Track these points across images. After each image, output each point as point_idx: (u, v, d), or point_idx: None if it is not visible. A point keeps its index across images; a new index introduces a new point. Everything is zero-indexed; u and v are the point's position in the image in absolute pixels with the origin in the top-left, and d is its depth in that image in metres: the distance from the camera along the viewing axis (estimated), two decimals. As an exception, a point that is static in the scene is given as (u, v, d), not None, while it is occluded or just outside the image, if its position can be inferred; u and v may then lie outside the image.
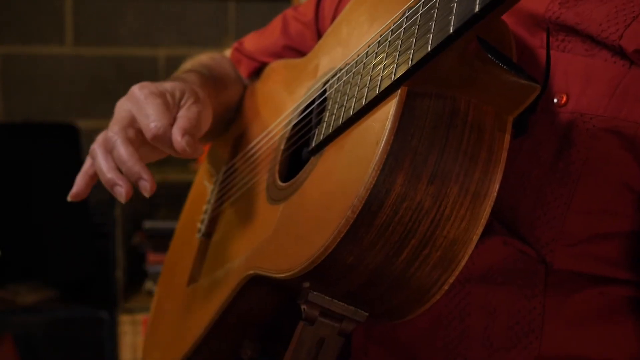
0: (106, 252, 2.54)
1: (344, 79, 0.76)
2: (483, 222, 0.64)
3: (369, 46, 0.73)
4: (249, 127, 1.08)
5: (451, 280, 0.65)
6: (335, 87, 0.78)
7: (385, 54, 0.67)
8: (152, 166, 0.86)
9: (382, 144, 0.61)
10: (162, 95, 0.84)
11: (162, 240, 2.43)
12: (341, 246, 0.63)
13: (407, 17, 0.66)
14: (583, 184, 0.74)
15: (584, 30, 0.74)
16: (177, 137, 0.80)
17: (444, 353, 0.80)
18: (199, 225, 1.09)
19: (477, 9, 0.55)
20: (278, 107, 0.99)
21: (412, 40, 0.63)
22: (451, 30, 0.57)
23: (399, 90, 0.63)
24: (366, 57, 0.72)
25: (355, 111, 0.69)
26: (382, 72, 0.66)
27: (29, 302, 2.54)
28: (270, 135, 0.96)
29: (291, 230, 0.75)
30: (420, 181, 0.62)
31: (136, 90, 0.83)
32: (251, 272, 0.78)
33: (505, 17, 0.64)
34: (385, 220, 0.62)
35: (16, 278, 2.56)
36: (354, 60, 0.76)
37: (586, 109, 0.73)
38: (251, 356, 0.85)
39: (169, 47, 2.87)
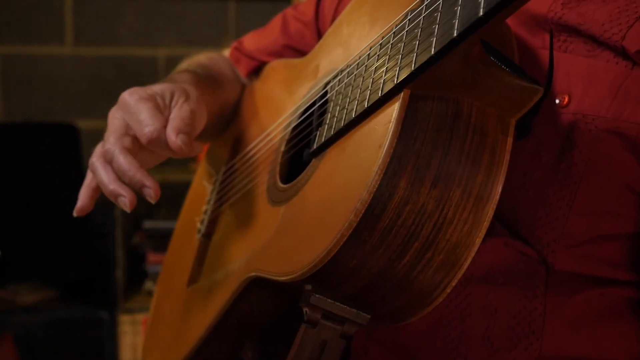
0: (106, 252, 2.54)
1: (345, 81, 0.76)
2: (486, 225, 0.63)
3: (370, 48, 0.73)
4: (249, 127, 1.07)
5: (454, 283, 0.65)
6: (336, 89, 0.78)
7: (387, 56, 0.67)
8: (152, 167, 0.87)
9: (385, 148, 0.61)
10: (152, 98, 0.84)
11: (162, 240, 2.43)
12: (344, 250, 0.63)
13: (409, 19, 0.66)
14: (585, 185, 0.74)
15: (587, 31, 0.74)
16: (172, 137, 0.80)
17: (444, 353, 0.80)
18: (198, 225, 1.08)
19: (481, 13, 0.55)
20: (278, 108, 0.99)
21: (415, 44, 0.63)
22: (455, 34, 0.57)
23: (402, 93, 0.63)
24: (368, 59, 0.72)
25: (357, 114, 0.68)
26: (385, 75, 0.66)
27: (29, 302, 2.54)
28: (270, 137, 0.96)
29: (293, 233, 0.75)
30: (423, 185, 0.61)
31: (126, 97, 0.83)
32: (252, 274, 0.78)
33: None
34: (388, 223, 0.62)
35: (16, 278, 2.56)
36: (355, 62, 0.75)
37: (588, 110, 0.73)
38: (252, 357, 0.85)
39: (169, 47, 2.87)
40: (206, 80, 1.03)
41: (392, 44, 0.67)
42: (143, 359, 1.13)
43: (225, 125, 1.15)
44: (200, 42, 2.85)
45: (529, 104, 0.63)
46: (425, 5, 0.64)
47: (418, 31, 0.63)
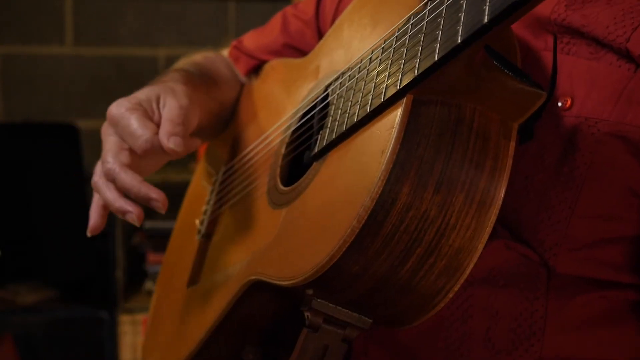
0: (106, 252, 2.54)
1: (346, 84, 0.76)
2: (488, 230, 0.63)
3: (372, 51, 0.72)
4: (248, 127, 1.07)
5: (456, 289, 0.65)
6: (337, 92, 0.78)
7: (390, 61, 0.67)
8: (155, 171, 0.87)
9: (388, 154, 0.61)
10: (138, 107, 0.84)
11: (162, 240, 2.42)
12: (346, 255, 0.63)
13: (412, 24, 0.66)
14: (588, 189, 0.73)
15: (590, 33, 0.73)
16: (165, 142, 0.81)
17: (445, 354, 0.80)
18: (198, 226, 1.08)
19: (486, 20, 0.54)
20: (278, 108, 0.99)
21: (418, 49, 0.62)
22: (459, 41, 0.57)
23: (404, 99, 0.62)
24: (370, 63, 0.71)
25: (359, 118, 0.68)
26: (387, 80, 0.65)
27: (29, 302, 2.54)
28: (270, 138, 0.96)
29: (294, 237, 0.74)
30: (426, 190, 0.61)
31: (113, 110, 0.84)
32: (253, 277, 0.78)
33: None
34: (391, 229, 0.62)
35: (16, 278, 2.57)
36: (357, 65, 0.75)
37: (591, 113, 0.73)
38: (253, 360, 0.85)
39: (169, 47, 2.87)
40: (199, 77, 1.02)
41: (394, 48, 0.67)
42: (143, 359, 1.13)
43: (224, 124, 1.15)
44: (200, 42, 2.85)
45: (532, 109, 0.63)
46: (429, 10, 0.63)
47: (421, 36, 0.63)
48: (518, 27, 0.77)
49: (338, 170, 0.71)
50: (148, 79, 0.93)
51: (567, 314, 0.78)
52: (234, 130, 1.12)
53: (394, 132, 0.61)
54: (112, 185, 0.83)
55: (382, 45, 0.70)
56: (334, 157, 0.73)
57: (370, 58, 0.72)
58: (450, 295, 0.65)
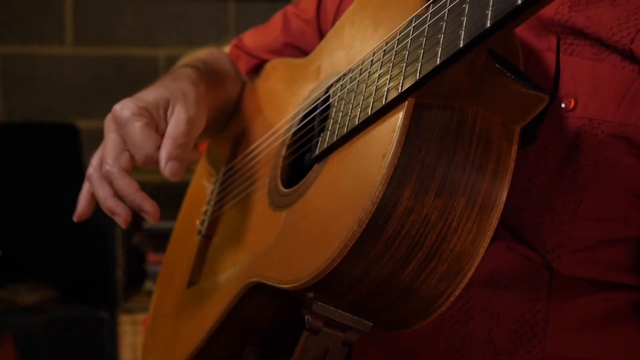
0: (106, 252, 2.54)
1: (347, 86, 0.75)
2: (490, 234, 0.63)
3: (373, 54, 0.72)
4: (249, 126, 1.07)
5: (457, 293, 0.65)
6: (339, 94, 0.77)
7: (391, 64, 0.66)
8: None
9: (390, 157, 0.60)
10: (145, 112, 0.83)
11: (162, 240, 2.41)
12: (347, 259, 0.62)
13: (414, 27, 0.65)
14: (591, 190, 0.73)
15: (594, 34, 0.73)
16: (162, 165, 0.81)
17: (445, 355, 0.81)
18: (198, 226, 1.08)
19: (488, 25, 0.54)
20: (279, 109, 0.98)
21: (420, 52, 0.62)
22: (461, 45, 0.56)
23: (406, 102, 0.62)
24: (371, 66, 0.71)
25: (360, 121, 0.68)
26: (389, 83, 0.65)
27: (29, 302, 2.54)
28: (271, 139, 0.95)
29: (295, 240, 0.74)
30: (428, 194, 0.61)
31: (119, 110, 0.83)
32: (253, 279, 0.78)
33: None
34: (392, 233, 0.61)
35: (16, 278, 2.56)
36: (358, 67, 0.75)
37: (594, 114, 0.72)
38: (253, 361, 0.85)
39: (169, 47, 2.86)
40: (207, 75, 1.02)
41: (396, 51, 0.67)
42: (143, 359, 1.12)
43: (225, 122, 1.15)
44: (200, 42, 2.82)
45: (534, 112, 0.63)
46: (431, 13, 0.63)
47: (423, 40, 0.62)
48: (521, 28, 0.76)
49: (339, 173, 0.71)
50: (148, 79, 0.92)
51: (569, 315, 0.78)
52: (235, 129, 1.11)
53: (396, 136, 0.61)
54: (106, 184, 0.83)
55: (384, 48, 0.70)
56: (335, 159, 0.73)
57: (372, 60, 0.71)
58: (452, 299, 0.65)
